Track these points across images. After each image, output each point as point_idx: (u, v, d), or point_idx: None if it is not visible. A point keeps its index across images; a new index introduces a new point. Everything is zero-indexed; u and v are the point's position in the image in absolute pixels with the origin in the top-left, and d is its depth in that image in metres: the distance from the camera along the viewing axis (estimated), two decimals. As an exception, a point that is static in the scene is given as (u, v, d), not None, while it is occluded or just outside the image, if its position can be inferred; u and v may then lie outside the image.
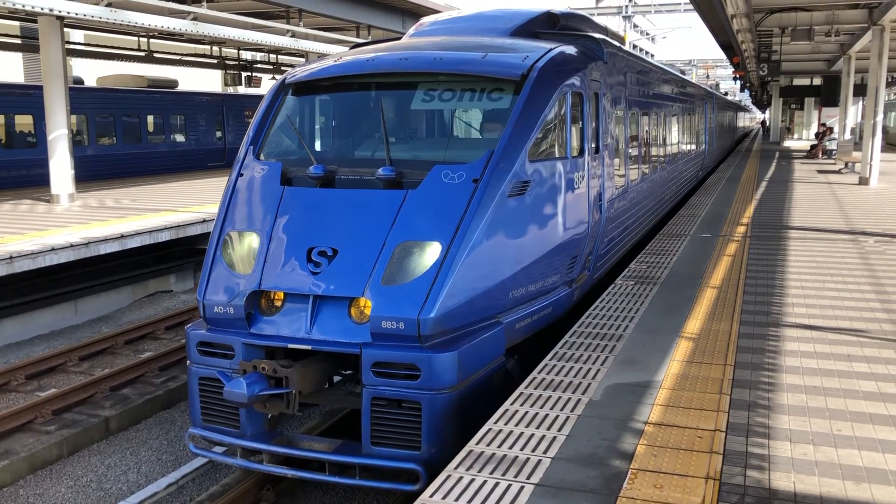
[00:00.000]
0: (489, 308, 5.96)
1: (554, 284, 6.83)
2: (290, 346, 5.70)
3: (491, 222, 5.87)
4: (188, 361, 6.13)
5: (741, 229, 11.60)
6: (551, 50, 7.14)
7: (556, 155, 6.88)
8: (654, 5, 51.13)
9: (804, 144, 38.19)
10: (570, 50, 7.58)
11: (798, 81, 43.83)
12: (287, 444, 5.90)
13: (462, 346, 5.54)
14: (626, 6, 50.12)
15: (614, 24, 50.49)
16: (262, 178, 6.47)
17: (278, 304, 5.93)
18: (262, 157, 6.80)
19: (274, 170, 6.48)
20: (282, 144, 7.01)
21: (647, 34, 73.41)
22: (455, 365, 5.43)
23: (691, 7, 22.11)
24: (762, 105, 62.19)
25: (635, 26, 62.63)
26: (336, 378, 6.56)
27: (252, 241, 6.12)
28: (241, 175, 6.59)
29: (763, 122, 52.78)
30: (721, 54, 34.25)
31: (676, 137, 15.46)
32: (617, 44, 9.74)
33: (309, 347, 5.66)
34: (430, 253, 5.69)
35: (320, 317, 5.72)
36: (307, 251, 5.85)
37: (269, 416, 6.03)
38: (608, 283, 8.49)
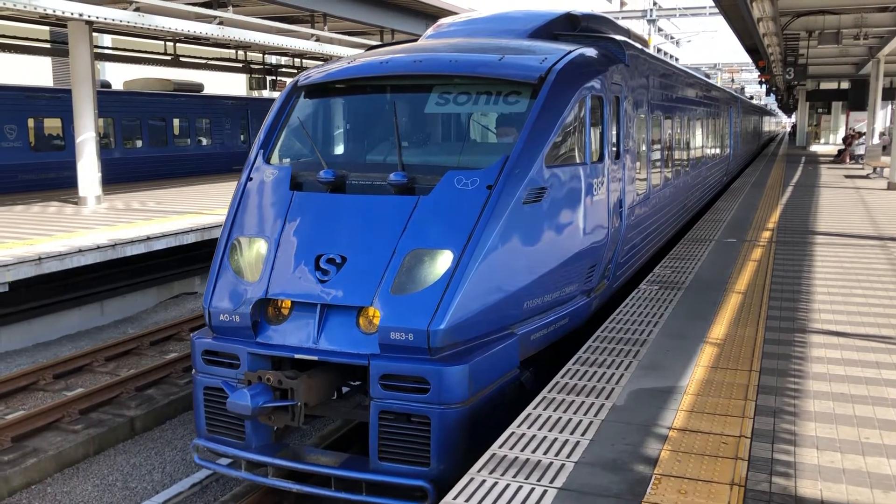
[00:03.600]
0: (503, 319, 5.78)
1: (571, 294, 6.62)
2: (297, 356, 5.54)
3: (505, 230, 5.69)
4: (193, 370, 6.03)
5: (767, 234, 11.50)
6: (570, 52, 6.95)
7: (575, 160, 6.68)
8: (679, 9, 50.86)
9: (831, 149, 37.77)
10: (590, 52, 7.39)
11: (825, 85, 43.33)
12: (293, 457, 5.73)
13: (474, 358, 5.35)
14: (651, 10, 49.89)
15: (638, 27, 50.31)
16: (272, 183, 6.32)
17: (286, 312, 5.78)
18: (272, 160, 6.68)
19: (283, 174, 6.33)
20: (293, 148, 6.89)
21: (672, 38, 73.01)
22: (466, 378, 5.24)
23: (717, 11, 21.97)
24: (788, 109, 61.65)
25: (660, 30, 62.36)
26: (346, 389, 6.40)
27: (260, 247, 5.98)
28: (251, 179, 6.45)
29: (794, 127, 52.26)
30: (746, 58, 33.99)
31: (700, 142, 15.18)
32: (639, 46, 9.49)
33: (315, 358, 5.51)
34: (442, 261, 5.51)
35: (328, 326, 5.56)
36: (315, 258, 5.70)
37: (276, 427, 5.87)
38: (629, 291, 8.30)
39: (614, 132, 7.65)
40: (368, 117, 7.16)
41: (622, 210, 7.74)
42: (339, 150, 7.17)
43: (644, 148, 9.27)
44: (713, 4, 17.73)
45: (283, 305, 5.79)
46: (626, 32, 10.18)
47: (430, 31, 8.82)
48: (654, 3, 52.83)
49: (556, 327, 6.42)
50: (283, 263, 5.79)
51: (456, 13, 22.52)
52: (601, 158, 7.16)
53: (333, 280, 5.55)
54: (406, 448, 5.27)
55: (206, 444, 5.97)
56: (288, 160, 6.73)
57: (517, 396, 5.89)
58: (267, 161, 6.62)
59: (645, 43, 11.22)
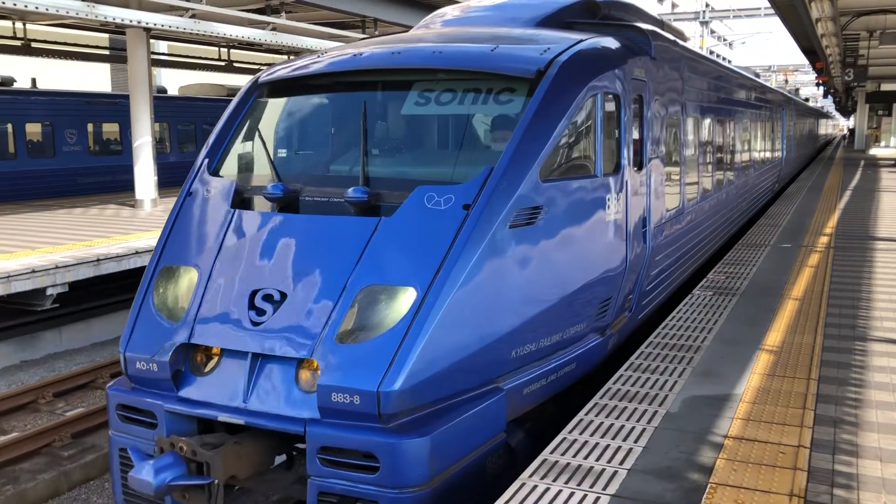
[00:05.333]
0: (483, 372, 4.68)
1: (579, 334, 5.56)
2: (220, 417, 4.49)
3: (485, 261, 4.59)
4: (109, 429, 5.06)
5: (824, 240, 11.21)
6: (580, 42, 5.87)
7: (581, 172, 5.63)
8: (733, 10, 50.05)
9: (892, 152, 36.72)
10: (606, 42, 6.32)
11: (886, 86, 42.27)
12: None
13: (439, 427, 4.26)
14: (703, 12, 49.23)
15: (691, 29, 49.67)
16: (212, 199, 5.30)
17: (216, 359, 4.74)
18: (221, 171, 5.65)
19: (225, 188, 5.30)
20: (245, 156, 5.85)
21: (725, 40, 71.88)
22: (426, 454, 4.15)
23: (772, 12, 21.55)
24: (846, 111, 60.20)
25: (712, 32, 61.46)
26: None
27: (190, 278, 4.98)
28: (190, 194, 5.43)
29: (851, 130, 51.07)
30: (802, 59, 33.28)
31: (747, 147, 14.08)
32: (671, 37, 8.25)
33: (242, 421, 4.44)
34: (402, 301, 4.42)
35: (261, 381, 4.51)
36: (251, 294, 4.69)
37: None
38: (662, 318, 7.28)
39: (636, 137, 6.57)
40: (335, 120, 6.11)
41: (646, 230, 6.67)
42: (299, 159, 6.14)
43: (676, 155, 8.18)
44: (768, 5, 17.40)
45: (214, 351, 4.76)
46: (660, 23, 8.97)
47: (426, 19, 7.75)
48: (707, 5, 52.09)
49: (559, 375, 5.37)
50: (212, 300, 4.79)
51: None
52: (617, 169, 6.07)
53: (269, 323, 4.54)
54: None
55: None
56: (238, 171, 5.75)
57: (506, 464, 4.87)
58: (214, 172, 5.59)
59: (681, 36, 10.02)
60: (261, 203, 5.29)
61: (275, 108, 6.12)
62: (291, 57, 6.32)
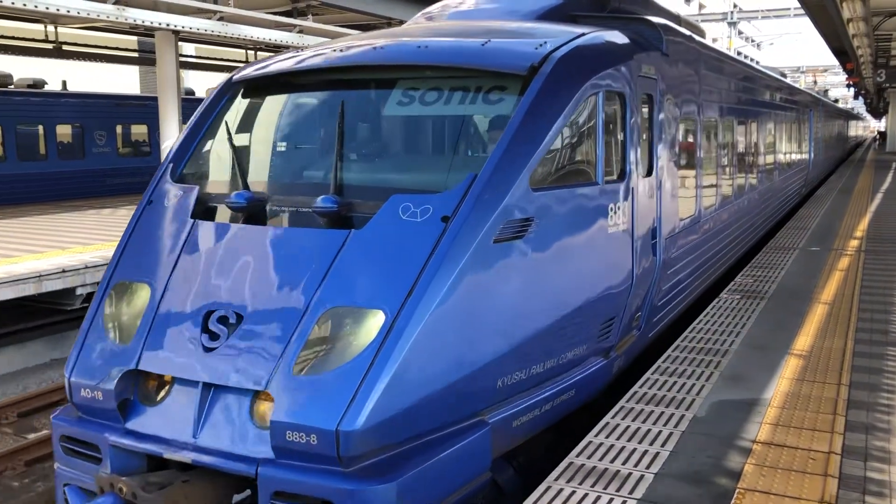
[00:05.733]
0: (463, 405, 4.19)
1: (579, 357, 5.09)
2: (166, 455, 4.02)
3: (464, 280, 4.09)
4: (55, 462, 4.55)
5: (854, 243, 11.06)
6: (581, 36, 5.37)
7: (580, 179, 5.15)
8: (761, 11, 49.57)
9: (923, 154, 36.17)
10: (612, 36, 5.86)
11: (917, 88, 41.62)
12: None
13: (409, 470, 3.77)
14: (731, 12, 48.80)
15: (718, 30, 49.27)
16: (172, 209, 4.86)
17: (167, 388, 4.30)
18: (186, 178, 5.21)
19: (187, 196, 4.86)
20: (212, 162, 5.43)
21: (753, 41, 71.21)
22: (392, 502, 3.69)
23: (801, 12, 21.32)
24: (878, 113, 59.42)
25: (740, 33, 60.92)
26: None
27: (144, 296, 4.54)
28: (150, 203, 4.99)
29: (881, 132, 50.37)
30: (832, 60, 32.87)
31: (771, 150, 13.53)
32: (686, 32, 7.70)
33: (189, 460, 3.96)
34: (370, 326, 3.94)
35: (213, 414, 4.04)
36: (205, 316, 4.24)
37: None
38: (676, 334, 6.74)
39: (645, 141, 6.09)
40: (311, 122, 5.67)
41: (656, 241, 6.19)
42: (270, 164, 5.64)
43: (692, 160, 7.71)
44: (798, 6, 17.20)
45: (167, 379, 4.30)
46: (676, 18, 8.43)
47: (418, 14, 7.34)
48: (735, 6, 51.62)
49: (555, 404, 4.89)
50: (164, 321, 4.35)
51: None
52: (622, 175, 5.58)
53: (222, 348, 4.09)
54: None
55: None
56: (204, 177, 5.32)
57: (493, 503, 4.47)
58: (178, 179, 5.13)
59: (699, 32, 9.47)
60: (224, 213, 4.84)
61: (247, 110, 5.66)
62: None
